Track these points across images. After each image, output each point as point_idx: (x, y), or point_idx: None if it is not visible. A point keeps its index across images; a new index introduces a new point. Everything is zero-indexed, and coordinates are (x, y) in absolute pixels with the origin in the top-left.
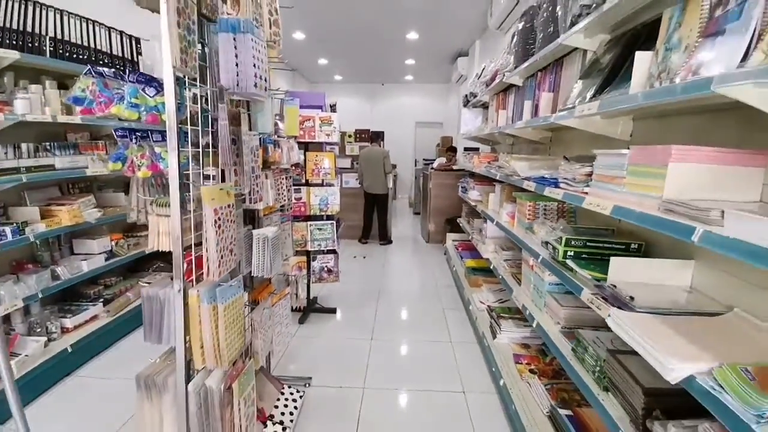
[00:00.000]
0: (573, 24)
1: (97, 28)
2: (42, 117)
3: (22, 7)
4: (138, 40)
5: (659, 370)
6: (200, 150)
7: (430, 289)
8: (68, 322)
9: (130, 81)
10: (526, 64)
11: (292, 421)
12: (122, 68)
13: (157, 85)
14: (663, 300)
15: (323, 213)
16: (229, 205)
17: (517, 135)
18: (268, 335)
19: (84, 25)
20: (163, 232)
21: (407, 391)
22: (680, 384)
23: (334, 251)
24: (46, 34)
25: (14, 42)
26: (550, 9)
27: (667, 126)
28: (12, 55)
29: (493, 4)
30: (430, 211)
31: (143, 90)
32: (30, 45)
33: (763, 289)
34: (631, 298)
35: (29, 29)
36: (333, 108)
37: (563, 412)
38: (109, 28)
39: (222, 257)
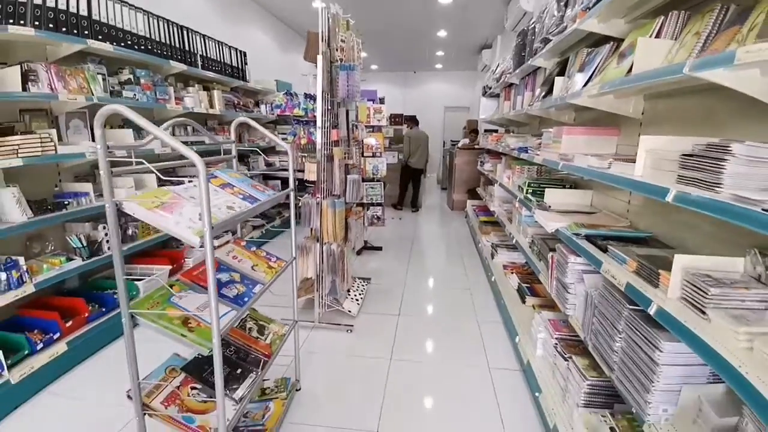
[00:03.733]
0: (535, 52)
1: (224, 48)
2: (198, 109)
3: (183, 32)
4: (245, 54)
5: (545, 227)
6: (329, 130)
7: (452, 238)
8: None
9: (303, 96)
10: (517, 71)
11: (362, 298)
12: (237, 75)
13: (312, 97)
14: (568, 208)
15: (374, 176)
16: (342, 159)
17: (543, 116)
18: (353, 233)
19: (217, 45)
20: (311, 171)
21: (432, 290)
22: (558, 233)
23: (381, 204)
24: (197, 51)
25: (179, 57)
26: (529, 38)
27: (675, 104)
28: (180, 66)
29: (508, 12)
30: (454, 183)
31: (308, 100)
32: (189, 60)
33: (617, 200)
34: (549, 206)
35: (187, 48)
36: (382, 101)
37: (524, 285)
38: (231, 47)
39: (337, 185)
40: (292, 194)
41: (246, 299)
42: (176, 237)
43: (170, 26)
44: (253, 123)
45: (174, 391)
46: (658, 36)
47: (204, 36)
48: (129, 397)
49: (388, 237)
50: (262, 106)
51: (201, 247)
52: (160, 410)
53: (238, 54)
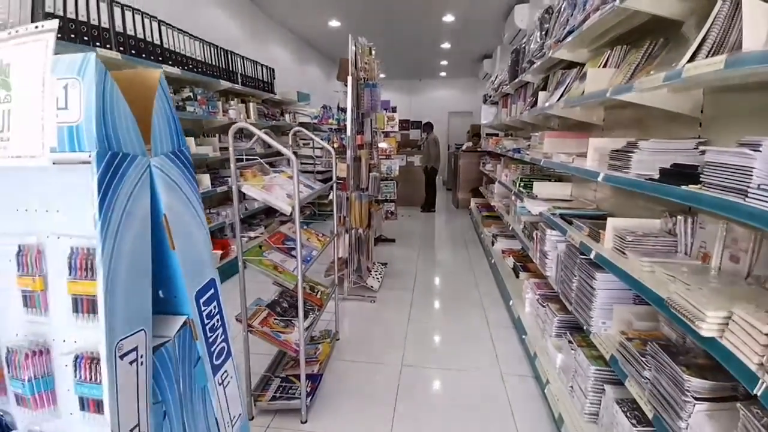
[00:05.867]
0: (524, 70)
1: (257, 66)
2: (238, 119)
3: (228, 55)
4: (273, 70)
5: (531, 211)
6: (356, 135)
7: (457, 231)
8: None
9: (337, 109)
10: (512, 83)
11: (381, 277)
12: (267, 89)
13: (343, 110)
14: (552, 197)
15: (388, 175)
16: (367, 159)
17: (534, 122)
18: (375, 221)
19: (253, 64)
20: (342, 170)
21: (440, 271)
22: (541, 216)
23: (394, 201)
24: (238, 71)
25: (225, 76)
26: (521, 56)
27: (622, 113)
28: (227, 84)
29: (506, 28)
30: (459, 183)
31: (340, 112)
32: (233, 78)
33: (589, 189)
34: (537, 196)
35: (231, 68)
36: (394, 110)
37: (518, 264)
38: (262, 65)
39: (363, 181)
40: (335, 186)
41: (309, 259)
42: (275, 207)
43: (219, 51)
44: (307, 133)
45: (264, 318)
46: (606, 65)
47: (243, 57)
48: (237, 320)
49: (400, 231)
50: (287, 115)
51: (291, 214)
52: (258, 328)
53: (267, 70)
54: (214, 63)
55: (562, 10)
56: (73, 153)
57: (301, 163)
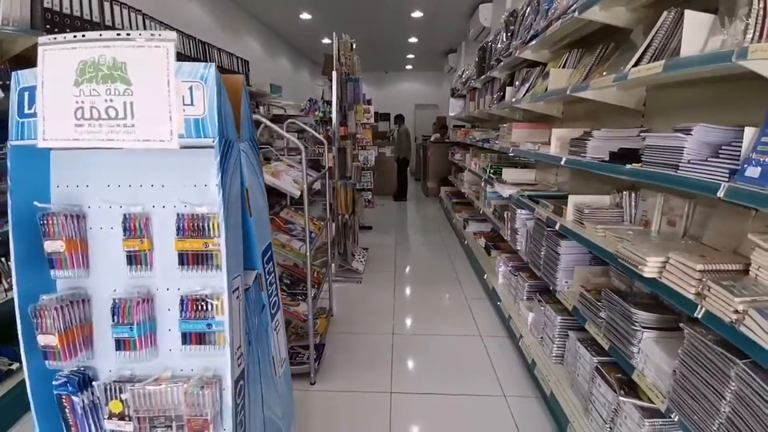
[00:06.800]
0: (491, 67)
1: (233, 58)
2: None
3: (205, 46)
4: (248, 62)
5: (502, 194)
6: (339, 125)
7: (429, 218)
8: None
9: (322, 101)
10: (480, 78)
11: (364, 261)
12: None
13: (328, 103)
14: (519, 181)
15: (365, 165)
16: (352, 150)
17: (501, 114)
18: (359, 208)
19: (229, 56)
20: (329, 159)
21: (417, 253)
22: (510, 198)
23: (371, 189)
24: (214, 62)
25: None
26: (487, 54)
27: (578, 108)
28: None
29: (470, 25)
30: (428, 173)
31: (325, 104)
32: None
33: (551, 174)
34: (505, 181)
35: (208, 59)
36: (369, 102)
37: (490, 243)
38: (237, 57)
39: (348, 169)
40: (327, 174)
41: (311, 240)
42: (284, 192)
43: (197, 42)
44: (302, 125)
45: None
46: (565, 66)
47: (219, 49)
48: None
49: (375, 219)
50: (261, 108)
51: (300, 197)
52: None
53: (242, 62)
54: (192, 55)
55: (526, 14)
56: (200, 139)
57: (289, 154)
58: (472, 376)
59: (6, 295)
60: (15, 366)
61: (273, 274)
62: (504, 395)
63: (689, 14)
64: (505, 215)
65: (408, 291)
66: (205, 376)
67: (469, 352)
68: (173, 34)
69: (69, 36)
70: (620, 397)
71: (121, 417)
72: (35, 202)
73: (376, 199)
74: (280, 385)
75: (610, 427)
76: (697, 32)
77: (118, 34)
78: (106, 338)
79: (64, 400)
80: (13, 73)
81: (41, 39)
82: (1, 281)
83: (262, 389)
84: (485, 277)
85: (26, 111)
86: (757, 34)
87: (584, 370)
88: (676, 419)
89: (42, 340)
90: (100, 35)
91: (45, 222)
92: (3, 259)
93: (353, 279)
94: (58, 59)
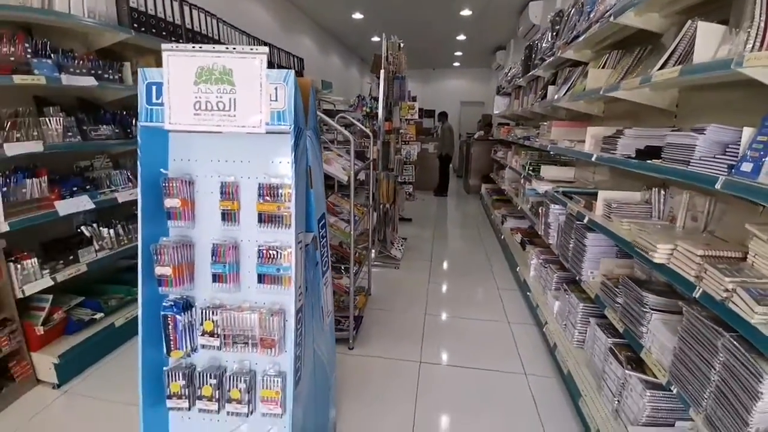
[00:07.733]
0: (536, 66)
1: (291, 57)
2: None
3: (272, 50)
4: (302, 60)
5: (538, 191)
6: (384, 120)
7: (468, 213)
8: None
9: (369, 97)
10: (524, 77)
11: (402, 249)
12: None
13: (376, 99)
14: (557, 178)
15: (407, 160)
16: (395, 143)
17: (543, 113)
18: (399, 198)
19: (287, 55)
20: (374, 152)
21: (454, 245)
22: (546, 194)
23: (412, 183)
24: (276, 62)
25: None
26: (533, 53)
27: (618, 106)
28: None
29: (520, 22)
30: (471, 170)
31: (372, 100)
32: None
33: (588, 172)
34: (543, 178)
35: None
36: (414, 99)
37: (526, 239)
38: (293, 56)
39: (391, 162)
40: (371, 164)
41: (354, 223)
42: (333, 176)
43: (259, 43)
44: (351, 119)
45: None
46: (605, 66)
47: (278, 48)
48: None
49: (415, 212)
50: None
51: (347, 183)
52: None
53: (297, 60)
54: None
55: (570, 15)
56: (279, 126)
57: (337, 145)
58: (496, 355)
59: (96, 255)
60: (98, 316)
61: (326, 239)
62: (525, 373)
63: (702, 25)
64: (540, 210)
65: (442, 279)
66: (273, 308)
67: (496, 334)
68: (266, 49)
69: (188, 46)
70: (626, 371)
71: (211, 334)
72: (161, 169)
73: (417, 194)
74: (327, 333)
75: (618, 400)
76: (709, 41)
77: (227, 48)
78: (204, 274)
79: (169, 319)
80: (139, 69)
81: (164, 45)
82: (92, 243)
83: (313, 329)
84: (518, 269)
85: (154, 100)
86: (757, 44)
87: (600, 350)
88: (674, 391)
89: (159, 270)
90: (213, 47)
91: (167, 184)
92: (94, 225)
93: (391, 264)
94: (180, 63)
